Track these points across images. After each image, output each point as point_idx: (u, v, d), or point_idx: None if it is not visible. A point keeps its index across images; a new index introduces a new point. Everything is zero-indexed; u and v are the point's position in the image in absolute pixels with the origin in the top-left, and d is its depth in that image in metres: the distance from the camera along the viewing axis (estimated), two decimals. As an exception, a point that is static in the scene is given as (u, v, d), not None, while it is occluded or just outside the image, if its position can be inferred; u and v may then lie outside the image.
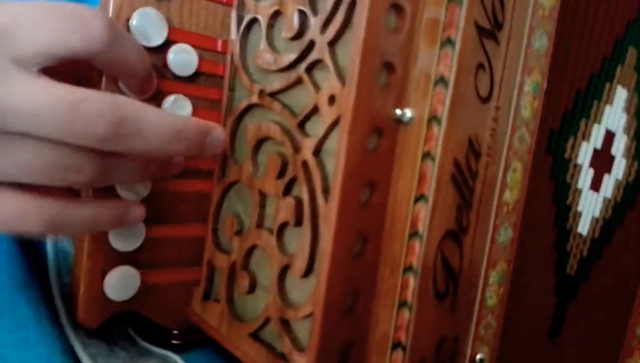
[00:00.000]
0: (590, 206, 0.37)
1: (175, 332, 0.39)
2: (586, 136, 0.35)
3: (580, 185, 0.37)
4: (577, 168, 0.36)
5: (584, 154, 0.37)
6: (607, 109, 0.36)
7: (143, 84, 0.32)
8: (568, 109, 0.35)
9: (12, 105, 0.24)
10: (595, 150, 0.36)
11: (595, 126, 0.35)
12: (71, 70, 0.31)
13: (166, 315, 0.38)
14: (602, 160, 0.36)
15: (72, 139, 0.25)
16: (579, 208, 0.38)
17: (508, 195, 0.30)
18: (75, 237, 0.35)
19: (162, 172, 0.33)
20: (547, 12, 0.29)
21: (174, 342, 0.40)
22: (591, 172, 0.36)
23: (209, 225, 0.37)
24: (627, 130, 0.38)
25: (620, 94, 0.36)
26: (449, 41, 0.26)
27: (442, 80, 0.26)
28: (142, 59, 0.31)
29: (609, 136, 0.36)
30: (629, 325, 0.40)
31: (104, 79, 0.32)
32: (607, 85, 0.36)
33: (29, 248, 0.37)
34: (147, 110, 0.27)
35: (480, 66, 0.27)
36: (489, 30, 0.27)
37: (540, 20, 0.29)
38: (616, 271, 0.39)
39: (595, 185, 0.36)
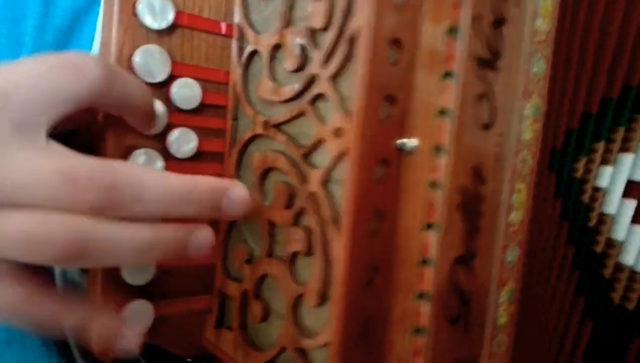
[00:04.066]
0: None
1: (189, 360, 0.40)
2: (608, 161, 0.37)
3: (609, 209, 0.40)
4: (599, 192, 0.39)
5: (608, 179, 0.39)
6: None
7: (147, 119, 0.32)
8: (571, 128, 0.37)
9: (10, 177, 0.24)
10: (632, 182, 0.38)
11: (624, 155, 0.37)
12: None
13: (180, 343, 0.38)
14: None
15: (61, 206, 0.24)
16: (617, 236, 0.41)
17: (514, 216, 0.31)
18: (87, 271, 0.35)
19: (173, 252, 0.28)
20: (544, 36, 0.30)
21: (188, 369, 0.40)
22: (630, 204, 0.38)
23: (218, 253, 0.38)
24: None
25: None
26: (450, 74, 0.27)
27: (445, 112, 0.27)
28: (143, 93, 0.30)
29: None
30: None
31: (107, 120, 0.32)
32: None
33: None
34: (145, 173, 0.26)
35: (482, 96, 0.28)
36: (488, 61, 0.28)
37: (537, 45, 0.30)
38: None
39: None
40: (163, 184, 0.26)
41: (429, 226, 0.28)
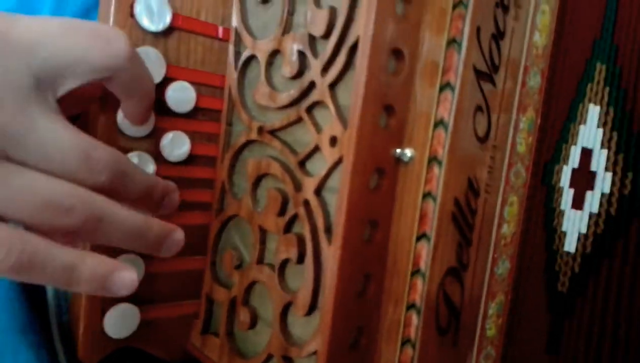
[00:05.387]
0: (574, 224, 0.38)
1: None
2: (566, 159, 0.37)
3: (563, 206, 0.38)
4: (560, 191, 0.38)
5: (565, 177, 0.38)
6: (582, 128, 0.37)
7: (146, 111, 0.32)
8: (558, 139, 0.36)
9: (34, 138, 0.24)
10: (574, 170, 0.37)
11: (572, 148, 0.36)
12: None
13: (166, 348, 0.37)
14: (582, 178, 0.37)
15: (74, 179, 0.25)
16: (563, 228, 0.40)
17: (506, 229, 0.31)
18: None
19: (154, 247, 0.30)
20: (541, 50, 0.30)
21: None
22: (571, 192, 0.37)
23: (207, 258, 0.37)
24: (605, 144, 0.39)
25: (592, 112, 0.37)
26: (449, 85, 0.27)
27: (442, 123, 0.27)
28: (152, 82, 0.31)
29: (586, 154, 0.37)
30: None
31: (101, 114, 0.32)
32: (580, 106, 0.38)
33: (29, 290, 0.37)
34: (137, 169, 0.29)
35: (478, 108, 0.28)
36: (487, 73, 0.28)
37: (534, 59, 0.30)
38: (625, 283, 0.39)
39: (578, 204, 0.37)
40: (146, 182, 0.29)
41: (422, 237, 0.27)
